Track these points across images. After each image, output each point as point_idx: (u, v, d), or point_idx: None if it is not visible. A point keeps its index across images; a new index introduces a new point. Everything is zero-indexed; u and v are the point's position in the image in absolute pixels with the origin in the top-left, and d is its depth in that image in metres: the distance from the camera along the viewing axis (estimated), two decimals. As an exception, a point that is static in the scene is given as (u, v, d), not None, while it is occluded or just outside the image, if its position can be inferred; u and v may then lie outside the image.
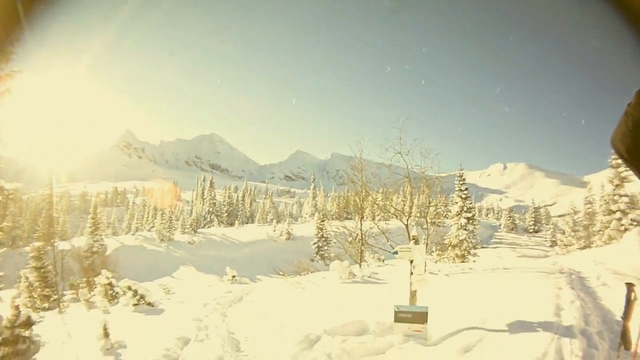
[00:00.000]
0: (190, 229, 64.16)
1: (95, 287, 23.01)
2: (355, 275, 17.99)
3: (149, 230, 68.34)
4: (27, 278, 29.20)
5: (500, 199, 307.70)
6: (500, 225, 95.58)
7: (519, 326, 7.85)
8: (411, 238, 9.30)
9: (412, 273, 8.62)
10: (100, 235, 51.94)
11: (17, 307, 9.29)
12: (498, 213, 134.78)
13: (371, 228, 23.35)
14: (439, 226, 32.40)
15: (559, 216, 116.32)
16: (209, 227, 77.89)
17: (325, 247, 51.92)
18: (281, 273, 25.11)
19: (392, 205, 21.24)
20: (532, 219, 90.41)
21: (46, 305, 29.12)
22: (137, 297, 16.83)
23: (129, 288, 17.18)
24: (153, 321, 13.88)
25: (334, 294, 14.82)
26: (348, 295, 14.17)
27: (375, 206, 24.13)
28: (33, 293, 29.40)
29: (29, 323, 9.31)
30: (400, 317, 8.09)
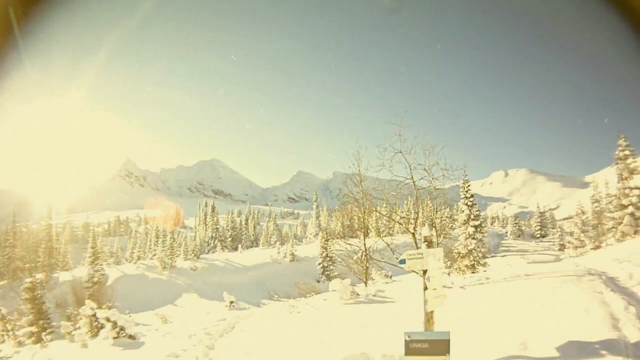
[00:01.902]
0: (193, 255, 62.12)
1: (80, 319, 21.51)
2: (358, 294, 16.12)
3: (151, 259, 66.12)
4: (-1, 310, 27.57)
5: (504, 207, 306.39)
6: (506, 232, 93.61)
7: (575, 349, 6.04)
8: (423, 240, 7.10)
9: (426, 288, 6.47)
10: (101, 265, 50.42)
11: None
12: (503, 221, 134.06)
13: (375, 242, 21.49)
14: (445, 237, 30.71)
15: (564, 219, 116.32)
16: (212, 253, 75.99)
17: (331, 267, 49.71)
18: (277, 297, 23.35)
19: (397, 213, 19.05)
20: (538, 224, 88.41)
21: (32, 339, 27.45)
22: (117, 329, 15.55)
23: (108, 320, 15.71)
24: (127, 356, 13.00)
25: (333, 318, 13.03)
26: (349, 320, 12.31)
27: (379, 217, 22.21)
28: (7, 325, 27.76)
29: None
30: (413, 348, 5.96)
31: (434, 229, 18.12)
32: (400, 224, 18.14)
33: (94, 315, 19.99)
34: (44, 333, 27.51)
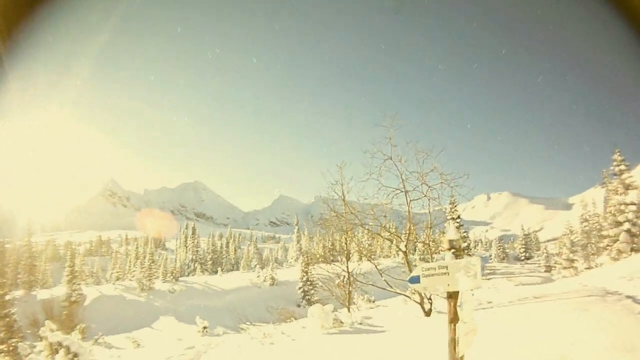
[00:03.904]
0: (172, 277, 61.63)
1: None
2: (342, 322, 13.91)
3: (130, 280, 65.72)
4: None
5: (487, 230, 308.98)
6: (490, 255, 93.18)
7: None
8: (448, 246, 4.65)
9: (454, 320, 4.11)
10: (79, 285, 50.57)
11: None
12: (486, 244, 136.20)
13: (359, 265, 19.66)
14: (428, 262, 29.04)
15: (548, 241, 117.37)
16: (192, 276, 75.56)
17: (312, 291, 49.74)
18: (249, 323, 21.31)
19: (384, 228, 16.54)
20: (523, 247, 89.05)
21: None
22: (70, 355, 14.27)
23: (60, 345, 14.10)
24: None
25: (313, 354, 10.62)
26: (334, 356, 9.95)
27: (363, 235, 20.29)
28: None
29: None
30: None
31: (427, 249, 16.08)
32: (389, 240, 16.12)
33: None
34: (2, 354, 26.34)
